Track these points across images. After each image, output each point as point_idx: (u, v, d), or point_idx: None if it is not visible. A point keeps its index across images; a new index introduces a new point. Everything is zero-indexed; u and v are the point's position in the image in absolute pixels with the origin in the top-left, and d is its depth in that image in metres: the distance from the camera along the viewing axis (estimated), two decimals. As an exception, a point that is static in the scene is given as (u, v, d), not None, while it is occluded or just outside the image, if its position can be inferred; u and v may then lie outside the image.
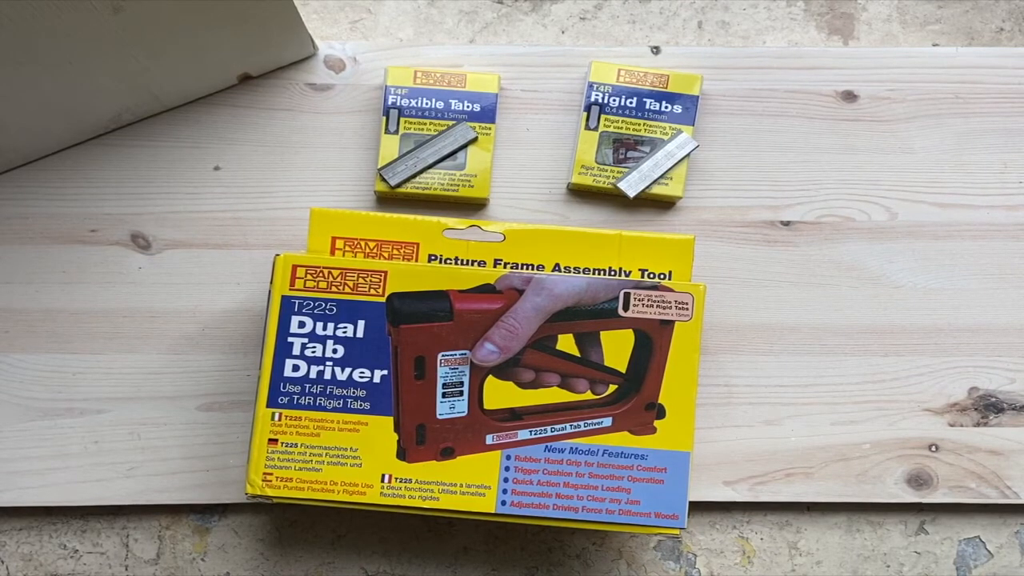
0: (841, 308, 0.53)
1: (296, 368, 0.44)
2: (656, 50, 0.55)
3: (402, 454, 0.43)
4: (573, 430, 0.44)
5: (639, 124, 0.53)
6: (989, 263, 0.54)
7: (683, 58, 0.55)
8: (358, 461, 0.43)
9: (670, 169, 0.53)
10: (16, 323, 0.52)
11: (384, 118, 0.53)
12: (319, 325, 0.44)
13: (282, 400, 0.44)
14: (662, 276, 0.47)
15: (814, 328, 0.53)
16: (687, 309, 0.44)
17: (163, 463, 0.51)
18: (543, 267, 0.47)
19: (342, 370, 0.44)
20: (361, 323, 0.44)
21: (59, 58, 0.45)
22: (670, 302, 0.44)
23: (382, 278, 0.44)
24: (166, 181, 0.53)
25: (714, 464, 0.51)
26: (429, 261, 0.47)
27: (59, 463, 0.50)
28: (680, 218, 0.54)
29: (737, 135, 0.55)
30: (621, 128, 0.53)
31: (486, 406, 0.44)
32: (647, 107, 0.53)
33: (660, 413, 0.44)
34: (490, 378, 0.44)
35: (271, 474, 0.43)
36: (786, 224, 0.54)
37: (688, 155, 0.53)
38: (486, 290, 0.44)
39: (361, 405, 0.44)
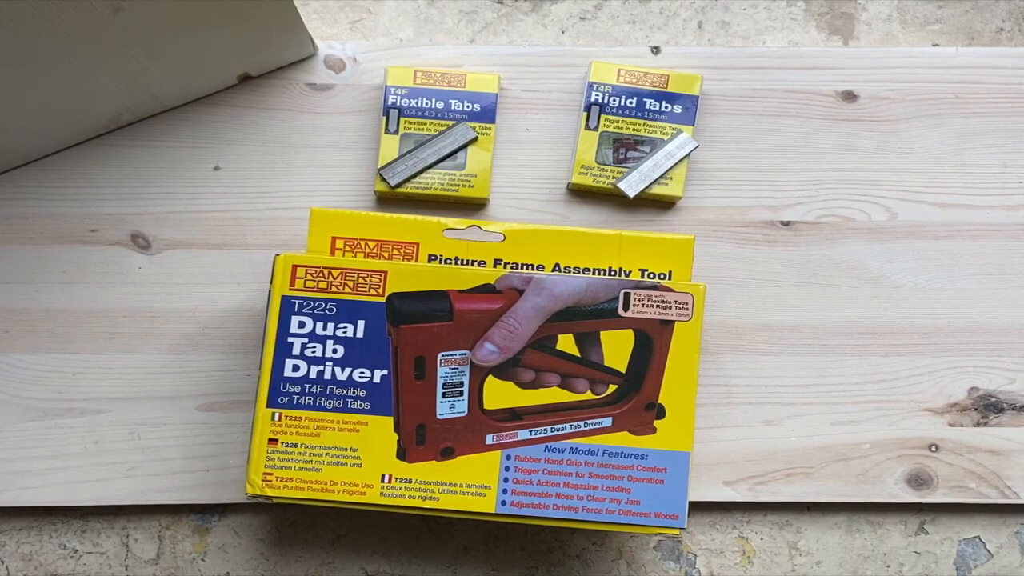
0: (841, 308, 0.53)
1: (296, 368, 0.44)
2: (656, 50, 0.55)
3: (402, 454, 0.43)
4: (573, 430, 0.44)
5: (639, 124, 0.53)
6: (989, 263, 0.54)
7: (683, 58, 0.55)
8: (358, 461, 0.43)
9: (670, 169, 0.53)
10: (16, 323, 0.52)
11: (384, 118, 0.53)
12: (319, 325, 0.44)
13: (282, 400, 0.44)
14: (662, 276, 0.47)
15: (814, 328, 0.53)
16: (687, 309, 0.44)
17: (163, 463, 0.51)
18: (543, 267, 0.47)
19: (342, 370, 0.44)
20: (361, 323, 0.44)
21: (59, 58, 0.45)
22: (670, 302, 0.44)
23: (382, 278, 0.44)
24: (166, 181, 0.53)
25: (714, 464, 0.51)
26: (429, 261, 0.47)
27: (59, 463, 0.50)
28: (680, 218, 0.54)
29: (737, 135, 0.55)
30: (621, 128, 0.53)
31: (486, 406, 0.44)
32: (647, 107, 0.53)
33: (660, 413, 0.44)
34: (490, 378, 0.44)
35: (271, 474, 0.43)
36: (786, 224, 0.54)
37: (688, 155, 0.53)
38: (486, 290, 0.44)
39: (361, 405, 0.44)
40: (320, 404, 0.44)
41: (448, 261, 0.47)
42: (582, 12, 0.58)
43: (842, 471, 0.51)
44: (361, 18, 0.57)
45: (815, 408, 0.52)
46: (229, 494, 0.50)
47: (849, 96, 0.55)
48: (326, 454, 0.43)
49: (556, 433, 0.44)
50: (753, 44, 0.58)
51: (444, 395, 0.44)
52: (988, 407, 0.52)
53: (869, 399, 0.52)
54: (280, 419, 0.44)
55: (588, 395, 0.45)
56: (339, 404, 0.44)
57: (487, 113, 0.53)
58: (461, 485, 0.43)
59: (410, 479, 0.43)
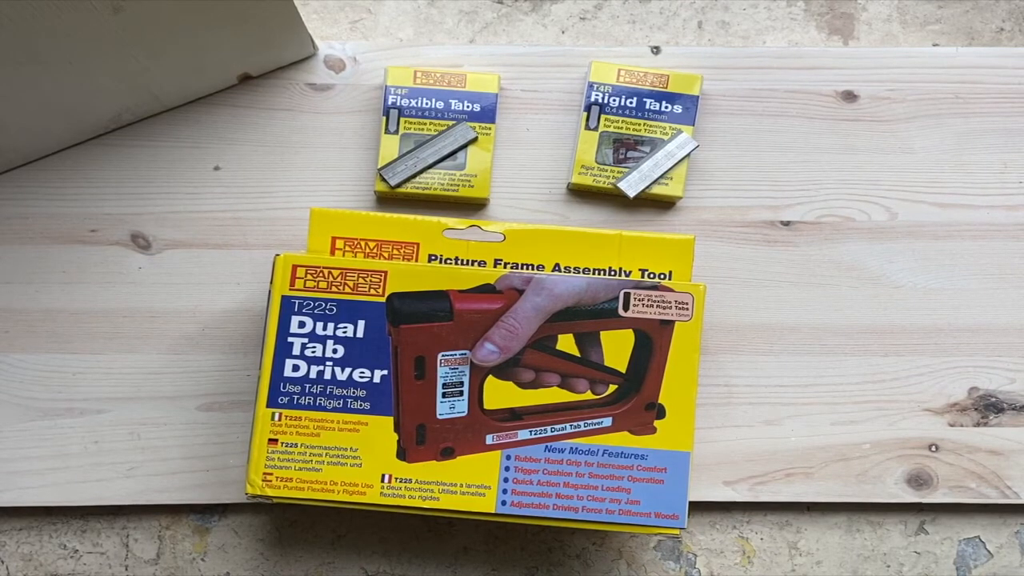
0: (841, 308, 0.53)
1: (296, 368, 0.44)
2: (656, 50, 0.55)
3: (402, 454, 0.43)
4: (573, 430, 0.44)
5: (639, 124, 0.53)
6: (989, 263, 0.54)
7: (683, 58, 0.55)
8: (358, 461, 0.43)
9: (670, 169, 0.53)
10: (16, 323, 0.52)
11: (384, 118, 0.53)
12: (319, 325, 0.44)
13: (282, 400, 0.44)
14: (662, 276, 0.47)
15: (814, 328, 0.53)
16: (687, 309, 0.44)
17: (163, 463, 0.51)
18: (543, 267, 0.47)
19: (342, 370, 0.44)
20: (361, 323, 0.44)
21: (59, 58, 0.45)
22: (670, 302, 0.44)
23: (382, 278, 0.44)
24: (166, 181, 0.53)
25: (714, 464, 0.51)
26: (429, 261, 0.47)
27: (59, 463, 0.50)
28: (680, 218, 0.54)
29: (737, 135, 0.55)
30: (621, 128, 0.53)
31: (486, 406, 0.44)
32: (647, 107, 0.53)
33: (660, 413, 0.44)
34: (490, 378, 0.44)
35: (271, 474, 0.43)
36: (786, 224, 0.54)
37: (688, 155, 0.53)
38: (486, 290, 0.44)
39: (361, 405, 0.44)
40: (320, 404, 0.44)
41: (448, 261, 0.47)
42: (582, 12, 0.58)
43: (842, 471, 0.51)
44: (361, 18, 0.57)
45: (815, 408, 0.52)
46: (229, 494, 0.50)
47: (849, 96, 0.55)
48: (326, 454, 0.43)
49: (556, 433, 0.44)
50: (753, 44, 0.58)
51: (444, 395, 0.44)
52: (988, 407, 0.52)
53: (869, 399, 0.52)
54: (280, 419, 0.44)
55: (588, 395, 0.45)
56: (339, 404, 0.44)
57: (487, 113, 0.53)
58: (461, 485, 0.43)
59: (410, 479, 0.43)
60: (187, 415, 0.51)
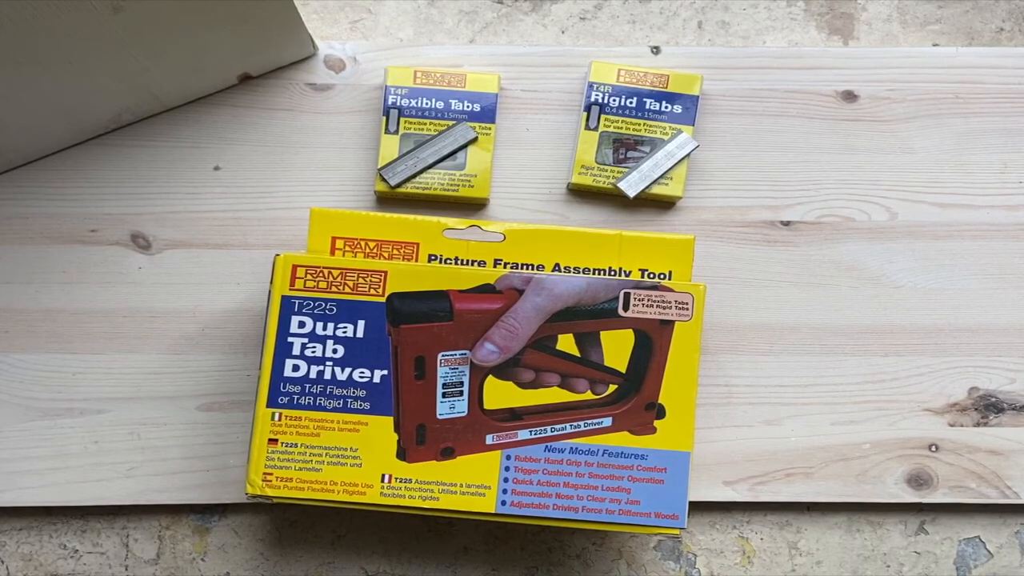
0: (841, 308, 0.53)
1: (296, 368, 0.44)
2: (656, 50, 0.55)
3: (402, 454, 0.43)
4: (573, 430, 0.44)
5: (639, 124, 0.53)
6: (989, 263, 0.54)
7: (683, 58, 0.55)
8: (358, 461, 0.43)
9: (670, 169, 0.53)
10: (16, 323, 0.52)
11: (384, 118, 0.53)
12: (319, 325, 0.44)
13: (282, 400, 0.44)
14: (662, 276, 0.47)
15: (814, 328, 0.53)
16: (687, 309, 0.44)
17: (163, 463, 0.51)
18: (543, 267, 0.47)
19: (342, 370, 0.44)
20: (361, 323, 0.44)
21: (59, 58, 0.45)
22: (670, 302, 0.44)
23: (382, 278, 0.44)
24: (166, 181, 0.53)
25: (714, 464, 0.51)
26: (429, 261, 0.47)
27: (59, 463, 0.50)
28: (680, 218, 0.54)
29: (737, 135, 0.55)
30: (621, 128, 0.53)
31: (486, 406, 0.44)
32: (647, 107, 0.53)
33: (660, 413, 0.44)
34: (490, 378, 0.44)
35: (271, 474, 0.43)
36: (786, 224, 0.54)
37: (688, 155, 0.53)
38: (486, 290, 0.44)
39: (361, 405, 0.44)
40: (320, 404, 0.44)
41: (448, 261, 0.47)
42: (582, 12, 0.58)
43: (842, 471, 0.51)
44: (361, 18, 0.57)
45: (815, 408, 0.52)
46: (229, 494, 0.50)
47: (849, 96, 0.55)
48: (326, 454, 0.43)
49: (556, 433, 0.44)
50: (753, 44, 0.58)
51: (444, 395, 0.44)
52: (988, 407, 0.52)
53: (869, 399, 0.52)
54: (280, 419, 0.44)
55: (588, 395, 0.45)
56: (339, 404, 0.44)
57: (487, 113, 0.53)
58: (461, 485, 0.43)
59: (410, 479, 0.43)
60: (187, 415, 0.51)
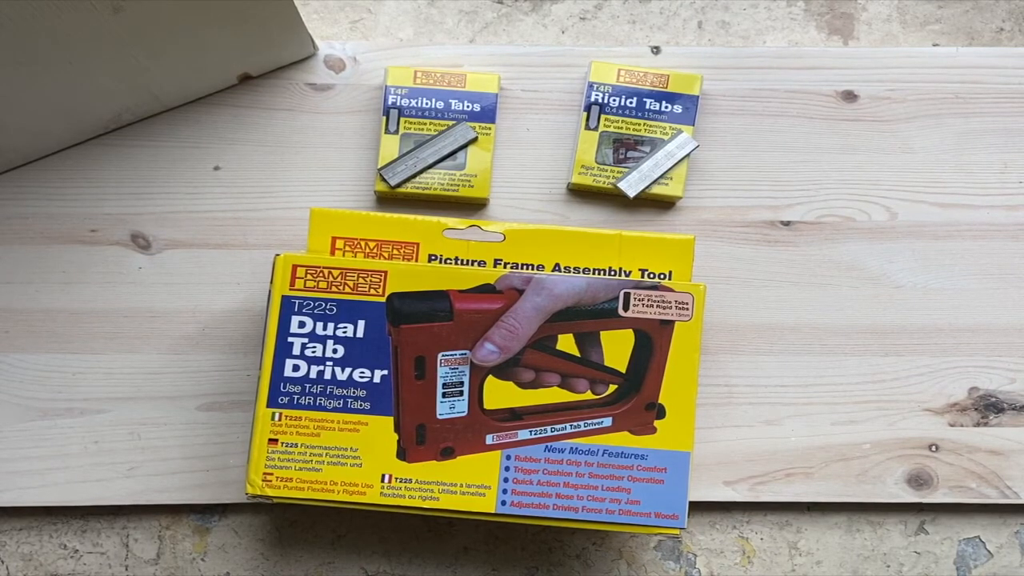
0: (841, 308, 0.53)
1: (296, 368, 0.44)
2: (656, 50, 0.55)
3: (402, 454, 0.43)
4: (573, 430, 0.44)
5: (639, 124, 0.53)
6: (989, 263, 0.54)
7: (683, 58, 0.55)
8: (358, 461, 0.43)
9: (670, 169, 0.53)
10: (16, 323, 0.52)
11: (384, 118, 0.53)
12: (319, 325, 0.44)
13: (282, 400, 0.44)
14: (662, 276, 0.47)
15: (814, 328, 0.53)
16: (687, 309, 0.44)
17: (163, 463, 0.51)
18: (543, 267, 0.47)
19: (342, 370, 0.44)
20: (361, 323, 0.44)
21: (59, 58, 0.45)
22: (670, 302, 0.44)
23: (382, 278, 0.44)
24: (166, 181, 0.53)
25: (714, 464, 0.51)
26: (429, 261, 0.47)
27: (59, 463, 0.50)
28: (680, 218, 0.54)
29: (737, 135, 0.55)
30: (621, 128, 0.53)
31: (486, 406, 0.44)
32: (647, 107, 0.53)
33: (660, 413, 0.44)
34: (490, 378, 0.44)
35: (271, 474, 0.43)
36: (786, 224, 0.54)
37: (688, 155, 0.53)
38: (486, 290, 0.44)
39: (361, 405, 0.44)
40: (320, 404, 0.44)
41: (448, 261, 0.47)
42: (582, 12, 0.58)
43: (842, 471, 0.51)
44: (361, 18, 0.57)
45: (815, 408, 0.52)
46: (229, 494, 0.50)
47: (849, 96, 0.55)
48: (326, 454, 0.43)
49: (556, 433, 0.44)
50: (753, 44, 0.58)
51: (444, 395, 0.44)
52: (988, 407, 0.52)
53: (869, 399, 0.52)
54: (280, 419, 0.44)
55: (588, 395, 0.45)
56: (339, 404, 0.44)
57: (487, 113, 0.53)
58: (461, 485, 0.43)
59: (410, 479, 0.43)
60: (187, 415, 0.51)
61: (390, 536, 0.52)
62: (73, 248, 0.53)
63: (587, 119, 0.53)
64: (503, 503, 0.43)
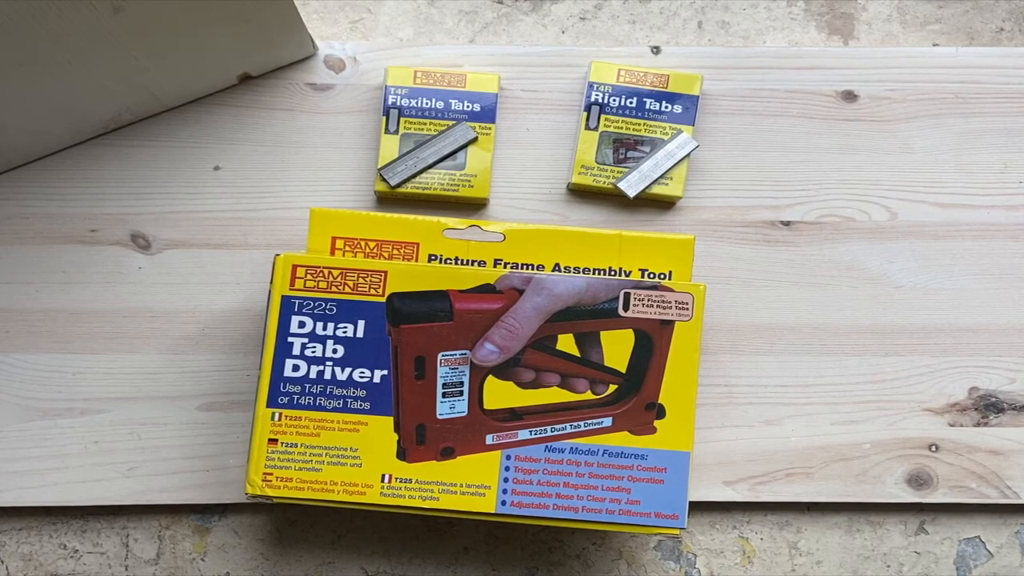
0: (841, 308, 0.53)
1: (296, 368, 0.44)
2: (656, 50, 0.55)
3: (402, 454, 0.43)
4: (573, 430, 0.44)
5: (639, 124, 0.53)
6: (989, 263, 0.54)
7: (683, 58, 0.55)
8: (358, 461, 0.43)
9: (670, 169, 0.53)
10: (16, 323, 0.52)
11: (384, 118, 0.53)
12: (319, 325, 0.44)
13: (282, 400, 0.44)
14: (662, 276, 0.47)
15: (814, 328, 0.53)
16: (687, 309, 0.44)
17: (163, 463, 0.51)
18: (543, 267, 0.47)
19: (342, 370, 0.44)
20: (361, 323, 0.44)
21: (59, 58, 0.45)
22: (670, 302, 0.44)
23: (382, 278, 0.44)
24: (166, 181, 0.53)
25: (714, 464, 0.51)
26: (429, 261, 0.47)
27: (59, 463, 0.50)
28: (680, 218, 0.54)
29: (737, 135, 0.55)
30: (621, 128, 0.53)
31: (486, 406, 0.44)
32: (647, 107, 0.53)
33: (660, 413, 0.44)
34: (490, 378, 0.44)
35: (271, 474, 0.43)
36: (786, 224, 0.54)
37: (688, 155, 0.53)
38: (486, 290, 0.44)
39: (361, 405, 0.44)
40: (320, 404, 0.44)
41: (448, 261, 0.47)
42: (582, 12, 0.58)
43: (842, 471, 0.51)
44: (361, 18, 0.57)
45: (815, 408, 0.52)
46: (229, 494, 0.50)
47: (849, 96, 0.55)
48: (326, 454, 0.43)
49: (556, 433, 0.44)
50: (753, 44, 0.58)
51: (444, 395, 0.44)
52: (988, 407, 0.52)
53: (869, 399, 0.52)
54: (280, 419, 0.44)
55: (588, 395, 0.45)
56: (339, 404, 0.44)
57: (487, 113, 0.53)
58: (461, 485, 0.43)
59: (410, 479, 0.43)
60: (187, 415, 0.51)
61: (390, 536, 0.52)
62: (73, 248, 0.53)
63: (587, 119, 0.53)
64: (503, 503, 0.43)
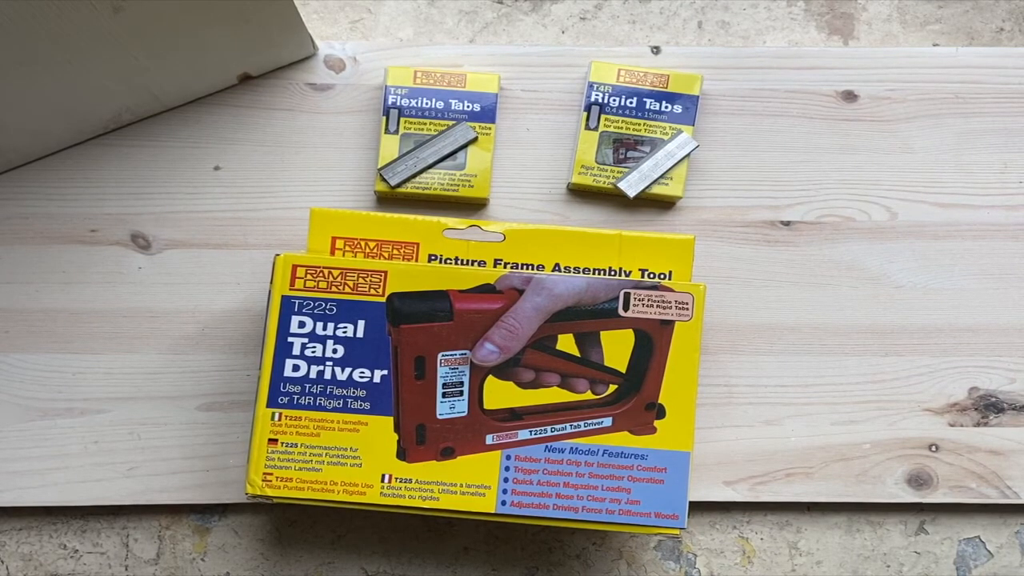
0: (841, 308, 0.53)
1: (296, 368, 0.44)
2: (656, 50, 0.55)
3: (402, 454, 0.43)
4: (573, 430, 0.44)
5: (639, 124, 0.53)
6: (989, 263, 0.54)
7: (683, 58, 0.55)
8: (358, 461, 0.43)
9: (670, 169, 0.53)
10: (16, 323, 0.52)
11: (384, 118, 0.53)
12: (319, 325, 0.44)
13: (282, 400, 0.44)
14: (662, 276, 0.47)
15: (814, 328, 0.53)
16: (687, 309, 0.44)
17: (163, 463, 0.51)
18: (543, 267, 0.47)
19: (342, 370, 0.44)
20: (361, 323, 0.44)
21: (59, 58, 0.45)
22: (670, 302, 0.44)
23: (382, 278, 0.44)
24: (166, 181, 0.53)
25: (714, 464, 0.51)
26: (429, 261, 0.47)
27: (59, 463, 0.50)
28: (680, 218, 0.54)
29: (737, 135, 0.55)
30: (621, 128, 0.53)
31: (486, 406, 0.44)
32: (647, 107, 0.53)
33: (660, 413, 0.44)
34: (490, 378, 0.44)
35: (271, 474, 0.43)
36: (786, 224, 0.54)
37: (688, 155, 0.53)
38: (486, 290, 0.44)
39: (361, 405, 0.44)
40: (320, 404, 0.44)
41: (448, 261, 0.47)
42: (582, 12, 0.58)
43: (842, 471, 0.51)
44: (361, 18, 0.57)
45: (815, 408, 0.52)
46: (229, 494, 0.50)
47: (849, 96, 0.55)
48: (326, 454, 0.43)
49: (556, 433, 0.44)
50: (753, 44, 0.58)
51: (444, 395, 0.44)
52: (988, 407, 0.52)
53: (869, 399, 0.52)
54: (280, 419, 0.44)
55: (588, 395, 0.45)
56: (339, 404, 0.44)
57: (487, 113, 0.53)
58: (461, 485, 0.43)
59: (410, 479, 0.43)
60: (187, 415, 0.51)
61: (390, 536, 0.52)
62: (73, 248, 0.53)
63: (587, 119, 0.53)
64: (503, 503, 0.43)
